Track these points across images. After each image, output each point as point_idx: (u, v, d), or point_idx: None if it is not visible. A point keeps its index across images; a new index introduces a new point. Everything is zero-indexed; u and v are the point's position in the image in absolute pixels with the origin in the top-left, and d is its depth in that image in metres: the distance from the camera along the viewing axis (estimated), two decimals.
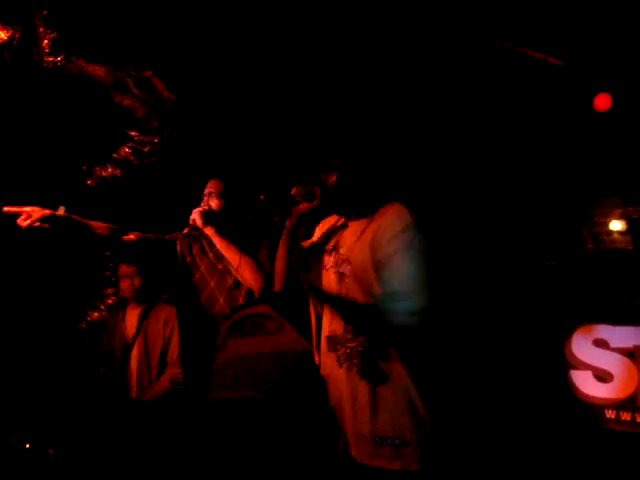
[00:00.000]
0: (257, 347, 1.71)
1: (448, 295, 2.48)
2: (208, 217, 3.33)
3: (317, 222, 2.89)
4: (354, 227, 2.61)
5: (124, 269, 4.24)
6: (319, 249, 2.72)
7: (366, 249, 2.47)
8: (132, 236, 3.34)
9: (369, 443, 2.26)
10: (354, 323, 2.28)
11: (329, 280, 2.58)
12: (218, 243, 3.22)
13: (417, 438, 2.26)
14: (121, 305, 4.35)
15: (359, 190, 2.59)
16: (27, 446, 3.38)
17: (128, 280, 4.23)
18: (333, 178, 2.60)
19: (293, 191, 2.67)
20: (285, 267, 2.58)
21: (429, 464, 2.25)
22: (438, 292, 2.31)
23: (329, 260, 2.64)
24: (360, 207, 2.61)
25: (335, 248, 2.64)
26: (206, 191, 3.44)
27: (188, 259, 3.45)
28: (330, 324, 2.38)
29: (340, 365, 2.27)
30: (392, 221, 2.45)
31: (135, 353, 4.12)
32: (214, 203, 3.37)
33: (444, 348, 2.47)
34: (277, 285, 2.54)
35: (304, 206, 2.62)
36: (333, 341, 2.28)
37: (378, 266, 2.41)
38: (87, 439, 3.59)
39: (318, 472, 1.68)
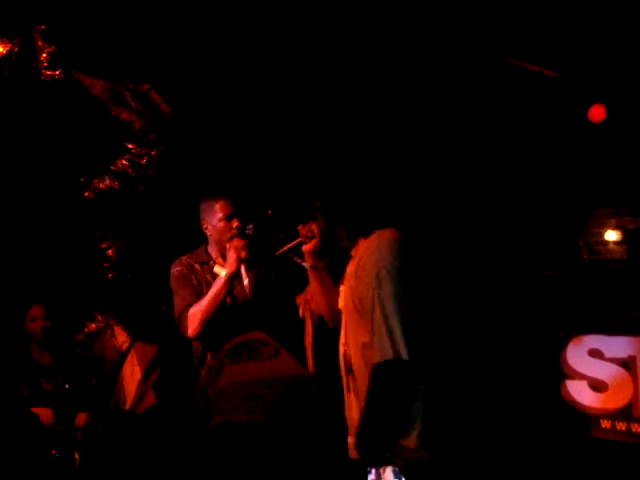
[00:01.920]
0: (255, 373, 1.74)
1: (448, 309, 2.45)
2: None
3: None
4: (353, 259, 2.46)
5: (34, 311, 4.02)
6: None
7: (347, 289, 2.37)
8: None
9: None
10: None
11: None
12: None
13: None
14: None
15: (338, 234, 2.53)
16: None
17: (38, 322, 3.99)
18: (314, 226, 2.57)
19: (281, 235, 2.74)
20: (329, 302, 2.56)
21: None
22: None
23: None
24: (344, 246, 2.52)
25: (341, 281, 2.54)
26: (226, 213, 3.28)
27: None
28: (345, 341, 2.33)
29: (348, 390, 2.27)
30: (367, 260, 2.27)
31: (129, 366, 4.12)
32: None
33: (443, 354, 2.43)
34: (329, 323, 2.50)
35: (308, 246, 2.57)
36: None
37: (358, 309, 2.26)
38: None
39: None
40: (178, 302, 3.11)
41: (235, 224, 3.21)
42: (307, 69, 4.47)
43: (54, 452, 3.46)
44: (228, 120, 4.68)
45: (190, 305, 2.99)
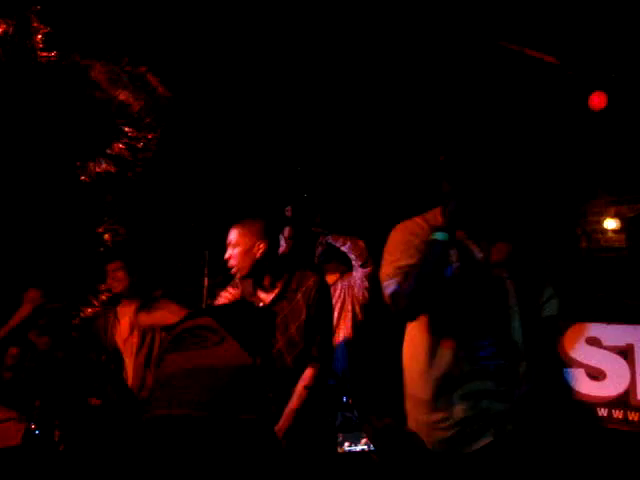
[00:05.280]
0: (196, 361, 1.65)
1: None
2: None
3: None
4: None
5: (111, 265, 4.12)
6: None
7: None
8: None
9: None
10: None
11: None
12: None
13: None
14: (114, 303, 4.28)
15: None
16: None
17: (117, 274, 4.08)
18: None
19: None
20: None
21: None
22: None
23: None
24: None
25: None
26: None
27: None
28: None
29: None
30: None
31: (130, 351, 4.09)
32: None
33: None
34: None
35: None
36: None
37: None
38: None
39: None
40: None
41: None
42: (301, 54, 4.42)
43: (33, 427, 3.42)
44: (225, 105, 4.64)
45: None
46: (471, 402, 2.47)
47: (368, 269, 4.35)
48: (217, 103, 4.66)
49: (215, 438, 1.53)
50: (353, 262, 4.39)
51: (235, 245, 3.11)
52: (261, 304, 3.14)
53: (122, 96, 4.33)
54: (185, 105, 4.48)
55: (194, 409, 1.54)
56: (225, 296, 3.31)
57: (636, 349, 4.86)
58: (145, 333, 4.10)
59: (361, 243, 4.37)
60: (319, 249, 4.52)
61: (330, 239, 4.43)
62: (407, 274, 2.43)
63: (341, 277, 4.56)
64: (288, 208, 4.28)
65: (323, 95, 4.91)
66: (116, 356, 4.05)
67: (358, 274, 4.40)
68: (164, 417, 1.56)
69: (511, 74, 4.74)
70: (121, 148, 4.43)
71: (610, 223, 5.42)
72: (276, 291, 3.18)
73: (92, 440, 3.50)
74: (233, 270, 3.13)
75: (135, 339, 4.08)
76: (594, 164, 5.26)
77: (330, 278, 4.42)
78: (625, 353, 4.74)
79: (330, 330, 3.33)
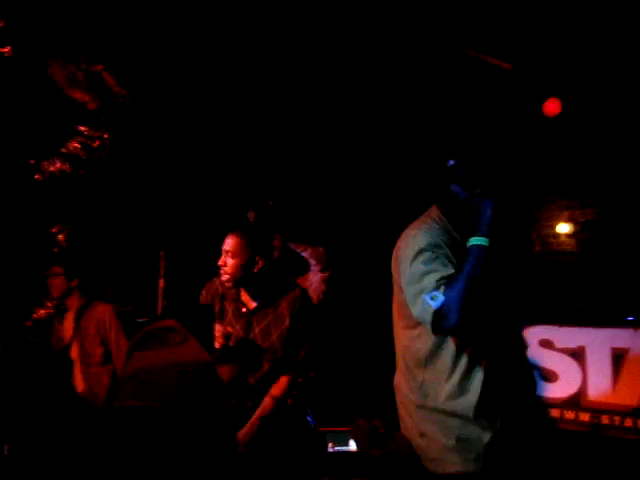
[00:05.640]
0: (159, 359, 1.77)
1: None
2: None
3: None
4: None
5: (50, 271, 4.06)
6: None
7: None
8: None
9: None
10: None
11: None
12: None
13: None
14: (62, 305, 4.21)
15: None
16: None
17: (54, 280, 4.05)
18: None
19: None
20: None
21: None
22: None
23: None
24: None
25: None
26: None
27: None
28: None
29: None
30: None
31: (74, 355, 4.02)
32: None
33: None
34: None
35: None
36: None
37: None
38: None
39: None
40: None
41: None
42: (261, 52, 4.42)
43: None
44: (183, 105, 4.62)
45: None
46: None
47: (327, 273, 4.53)
48: (174, 103, 4.62)
49: (174, 427, 1.64)
50: (312, 267, 4.55)
51: (234, 256, 3.10)
52: (244, 309, 3.16)
53: (78, 95, 4.28)
54: (141, 104, 4.44)
55: (156, 401, 1.65)
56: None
57: (587, 351, 4.96)
58: (86, 334, 4.05)
59: (321, 249, 4.55)
60: (275, 252, 4.59)
61: (292, 246, 4.55)
62: (453, 282, 2.23)
63: (296, 279, 4.63)
64: (251, 213, 4.31)
65: (285, 97, 4.92)
66: (63, 359, 3.99)
67: (317, 277, 4.55)
68: (129, 408, 1.67)
69: (467, 79, 4.79)
70: (76, 147, 4.37)
71: (563, 227, 5.51)
72: (261, 300, 3.20)
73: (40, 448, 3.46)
74: (224, 278, 3.12)
75: (77, 341, 4.03)
76: (548, 169, 5.34)
77: None
78: (577, 355, 4.83)
79: (310, 342, 3.33)
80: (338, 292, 4.92)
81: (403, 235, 2.48)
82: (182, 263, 3.88)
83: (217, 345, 2.91)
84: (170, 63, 4.37)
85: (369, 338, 4.96)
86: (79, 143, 4.35)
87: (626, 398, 4.73)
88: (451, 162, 2.48)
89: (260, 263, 3.14)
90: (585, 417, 4.84)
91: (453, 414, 2.36)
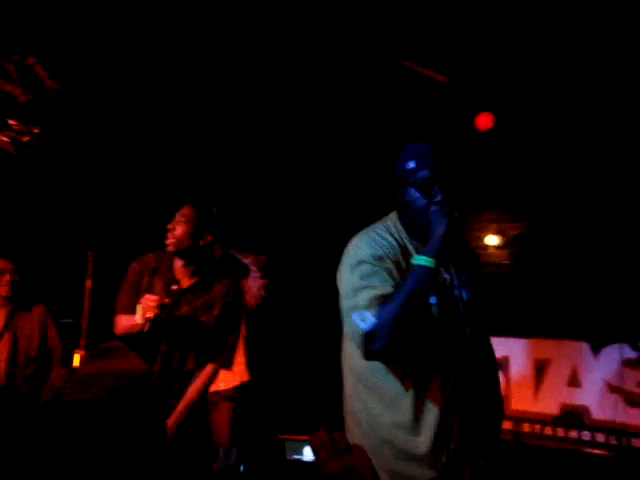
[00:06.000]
0: (103, 368, 1.98)
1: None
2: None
3: None
4: None
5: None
6: None
7: None
8: None
9: None
10: None
11: None
12: None
13: None
14: None
15: None
16: None
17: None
18: None
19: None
20: None
21: None
22: None
23: None
24: None
25: None
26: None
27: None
28: None
29: None
30: None
31: (2, 353, 3.94)
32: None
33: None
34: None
35: None
36: None
37: None
38: None
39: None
40: None
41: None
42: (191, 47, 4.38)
43: None
44: (117, 100, 4.55)
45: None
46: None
47: (267, 280, 4.65)
48: (108, 98, 4.55)
49: (111, 420, 1.80)
50: (253, 273, 4.65)
51: (187, 222, 3.14)
52: (175, 287, 3.14)
53: (8, 87, 4.17)
54: (74, 99, 4.35)
55: (96, 395, 1.82)
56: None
57: (511, 361, 5.09)
58: (21, 334, 3.99)
59: (262, 257, 4.70)
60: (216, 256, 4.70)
61: (234, 252, 4.65)
62: (387, 303, 2.03)
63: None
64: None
65: (226, 103, 4.90)
66: None
67: (256, 284, 4.66)
68: (72, 401, 1.84)
69: (401, 91, 4.85)
70: (5, 142, 4.26)
71: (492, 239, 5.63)
72: (196, 279, 3.22)
73: None
74: (170, 241, 3.13)
75: (6, 343, 3.96)
76: (478, 182, 5.45)
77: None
78: (501, 365, 4.96)
79: (236, 333, 3.39)
80: (292, 299, 5.03)
81: (352, 240, 2.30)
82: (111, 264, 3.80)
83: (150, 315, 2.86)
84: (103, 57, 4.30)
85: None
86: (8, 137, 4.24)
87: (546, 407, 4.87)
88: (411, 164, 2.24)
89: (208, 239, 3.18)
90: (509, 425, 4.96)
91: (392, 446, 2.18)
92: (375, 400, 2.23)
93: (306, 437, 3.31)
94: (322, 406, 4.59)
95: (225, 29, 4.21)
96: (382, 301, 2.03)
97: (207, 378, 3.20)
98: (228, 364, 3.32)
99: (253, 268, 4.65)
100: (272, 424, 4.91)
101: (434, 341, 2.17)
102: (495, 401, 2.43)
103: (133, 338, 2.94)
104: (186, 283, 3.21)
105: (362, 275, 2.12)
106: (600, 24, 4.02)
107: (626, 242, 4.85)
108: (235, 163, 5.38)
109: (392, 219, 2.33)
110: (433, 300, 2.18)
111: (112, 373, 1.91)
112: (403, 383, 2.17)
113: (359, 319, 2.05)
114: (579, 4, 3.88)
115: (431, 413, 2.16)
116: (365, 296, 2.07)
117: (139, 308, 2.91)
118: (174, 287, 3.14)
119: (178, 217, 3.16)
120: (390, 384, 2.19)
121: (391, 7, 3.95)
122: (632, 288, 4.76)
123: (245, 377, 4.41)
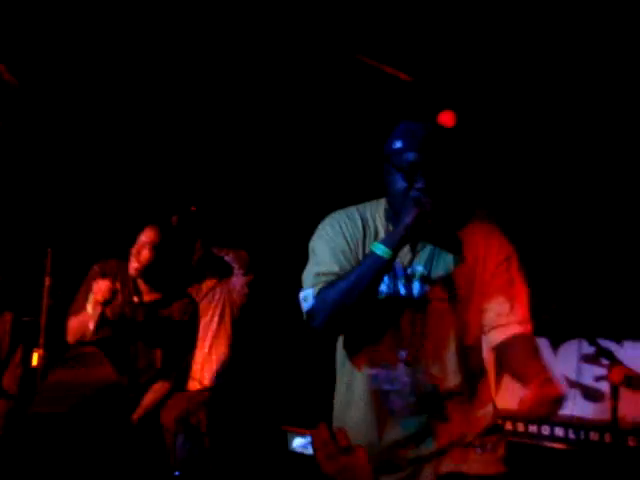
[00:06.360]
0: (75, 377, 2.05)
1: None
2: None
3: None
4: None
5: None
6: None
7: None
8: None
9: None
10: None
11: None
12: None
13: None
14: None
15: None
16: None
17: None
18: None
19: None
20: None
21: None
22: None
23: None
24: None
25: None
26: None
27: None
28: None
29: None
30: None
31: None
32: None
33: None
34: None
35: None
36: None
37: None
38: None
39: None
40: None
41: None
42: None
43: None
44: (83, 94, 4.49)
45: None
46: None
47: (249, 277, 4.70)
48: (73, 92, 4.49)
49: (79, 432, 1.94)
50: (235, 270, 4.70)
51: (150, 249, 3.10)
52: (136, 299, 3.14)
53: None
54: (34, 94, 4.28)
55: (59, 409, 1.94)
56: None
57: None
58: None
59: (244, 254, 4.70)
60: (197, 255, 4.76)
61: (215, 250, 4.69)
62: (330, 285, 2.00)
63: (219, 282, 4.84)
64: (174, 218, 4.35)
65: (201, 100, 4.88)
66: None
67: (239, 281, 4.72)
68: (45, 414, 1.96)
69: (363, 88, 4.86)
70: None
71: None
72: (157, 296, 3.21)
73: None
74: (133, 265, 3.09)
75: None
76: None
77: (209, 282, 4.81)
78: None
79: (190, 352, 3.45)
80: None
81: None
82: (70, 261, 3.77)
83: (100, 299, 2.79)
84: (65, 50, 4.25)
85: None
86: None
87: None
88: (398, 143, 2.10)
89: (173, 262, 3.20)
90: None
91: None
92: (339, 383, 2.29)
93: (309, 431, 3.32)
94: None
95: (191, 31, 4.19)
96: (325, 281, 2.03)
97: (155, 398, 3.05)
98: (177, 384, 3.34)
99: (235, 265, 4.69)
100: (275, 415, 4.94)
101: (381, 325, 2.12)
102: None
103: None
104: (147, 297, 3.20)
105: (317, 251, 2.14)
106: (565, 19, 4.05)
107: (584, 238, 4.91)
108: (215, 159, 5.36)
109: (382, 200, 2.23)
110: (383, 289, 2.08)
111: (82, 384, 1.99)
112: (355, 365, 2.18)
113: (302, 298, 2.08)
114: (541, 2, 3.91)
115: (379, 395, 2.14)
116: (311, 272, 2.09)
117: (91, 295, 2.87)
118: (135, 298, 3.13)
119: (143, 240, 3.13)
120: (345, 368, 2.23)
121: (356, 4, 3.96)
122: (590, 284, 4.83)
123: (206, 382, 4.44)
